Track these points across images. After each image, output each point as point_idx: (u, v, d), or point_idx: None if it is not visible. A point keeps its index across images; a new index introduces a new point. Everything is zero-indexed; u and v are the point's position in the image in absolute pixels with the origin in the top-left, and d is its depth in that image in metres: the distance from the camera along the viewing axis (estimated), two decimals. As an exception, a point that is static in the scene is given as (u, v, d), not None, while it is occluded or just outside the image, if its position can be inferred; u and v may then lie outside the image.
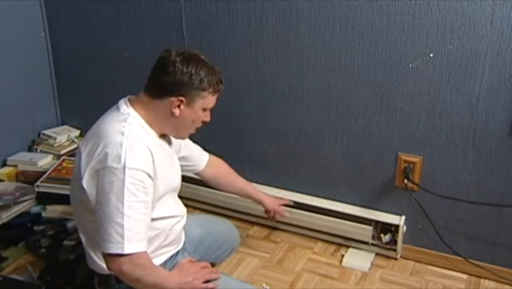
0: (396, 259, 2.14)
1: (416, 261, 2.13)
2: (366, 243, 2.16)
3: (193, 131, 1.63)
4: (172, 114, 1.52)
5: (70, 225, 2.09)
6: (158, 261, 1.62)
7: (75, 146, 2.55)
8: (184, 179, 1.86)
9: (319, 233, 2.24)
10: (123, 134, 1.45)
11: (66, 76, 2.64)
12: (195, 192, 2.36)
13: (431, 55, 1.85)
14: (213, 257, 2.00)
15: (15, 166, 2.43)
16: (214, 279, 1.63)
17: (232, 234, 2.12)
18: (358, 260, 2.12)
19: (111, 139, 1.45)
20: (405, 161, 2.02)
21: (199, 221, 2.01)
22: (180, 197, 1.79)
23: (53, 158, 2.49)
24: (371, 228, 2.11)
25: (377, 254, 2.16)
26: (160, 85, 1.51)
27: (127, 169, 1.40)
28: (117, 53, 2.44)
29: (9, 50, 2.42)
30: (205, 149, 1.96)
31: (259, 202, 2.05)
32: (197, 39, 2.23)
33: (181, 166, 1.81)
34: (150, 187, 1.47)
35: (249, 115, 2.26)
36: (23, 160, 2.44)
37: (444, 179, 1.99)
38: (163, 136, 1.62)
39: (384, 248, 2.14)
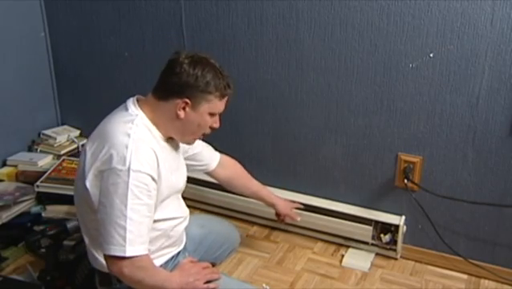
0: (396, 259, 2.14)
1: (416, 261, 2.13)
2: (366, 243, 2.16)
3: (199, 136, 1.60)
4: (177, 116, 1.50)
5: (70, 225, 2.09)
6: (159, 261, 1.61)
7: (75, 146, 2.55)
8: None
9: (319, 233, 2.24)
10: (129, 136, 1.45)
11: (66, 76, 2.64)
12: (196, 192, 2.36)
13: (431, 55, 1.85)
14: (214, 257, 2.00)
15: (15, 166, 2.43)
16: (215, 280, 1.63)
17: (232, 234, 2.12)
18: (358, 260, 2.12)
19: (117, 140, 1.44)
20: (405, 161, 2.02)
21: (199, 221, 2.01)
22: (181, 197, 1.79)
23: (53, 158, 2.49)
24: (371, 228, 2.11)
25: (377, 254, 2.16)
26: (166, 86, 1.50)
27: (131, 172, 1.39)
28: (117, 53, 2.44)
29: (9, 50, 2.42)
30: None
31: (271, 205, 2.03)
32: (196, 39, 2.23)
33: (191, 166, 1.81)
34: (154, 190, 1.47)
35: (249, 115, 2.26)
36: (23, 160, 2.44)
37: (444, 179, 1.99)
38: (169, 139, 1.60)
39: (383, 248, 2.14)
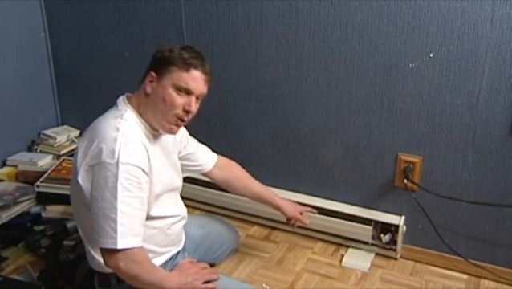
0: (395, 259, 2.14)
1: (416, 261, 2.13)
2: (366, 243, 2.16)
3: (171, 118, 1.52)
4: (145, 92, 1.52)
5: (70, 225, 2.09)
6: (158, 261, 1.62)
7: (75, 146, 2.55)
8: (185, 179, 1.85)
9: (319, 233, 2.24)
10: (118, 130, 1.46)
11: (66, 76, 2.64)
12: (196, 192, 2.36)
13: (431, 55, 1.85)
14: (214, 257, 2.00)
15: (15, 166, 2.42)
16: (214, 280, 1.63)
17: (232, 234, 2.12)
18: (358, 260, 2.12)
19: (107, 135, 1.46)
20: (405, 161, 2.02)
21: (199, 222, 2.01)
22: (180, 196, 1.78)
23: (53, 158, 2.49)
24: (371, 228, 2.11)
25: (377, 254, 2.16)
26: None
27: (120, 164, 1.40)
28: (117, 53, 2.44)
29: (9, 50, 2.42)
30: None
31: (277, 208, 1.98)
32: (196, 39, 2.23)
33: (186, 166, 1.81)
34: (145, 183, 1.47)
35: (249, 115, 2.26)
36: (23, 160, 2.44)
37: (444, 179, 1.99)
38: (161, 135, 1.61)
39: (383, 248, 2.14)
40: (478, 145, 1.90)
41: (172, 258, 1.69)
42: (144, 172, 1.47)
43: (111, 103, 1.60)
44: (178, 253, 1.72)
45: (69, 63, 2.60)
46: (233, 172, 1.97)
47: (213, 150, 1.97)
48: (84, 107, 2.64)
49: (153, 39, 2.33)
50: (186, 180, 2.07)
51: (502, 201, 1.92)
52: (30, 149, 2.58)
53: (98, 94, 2.55)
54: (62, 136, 2.57)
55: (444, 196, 1.99)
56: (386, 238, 2.10)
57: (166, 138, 1.65)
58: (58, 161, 2.42)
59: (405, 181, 2.01)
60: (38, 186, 2.22)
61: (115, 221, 1.39)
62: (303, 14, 2.00)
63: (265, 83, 2.18)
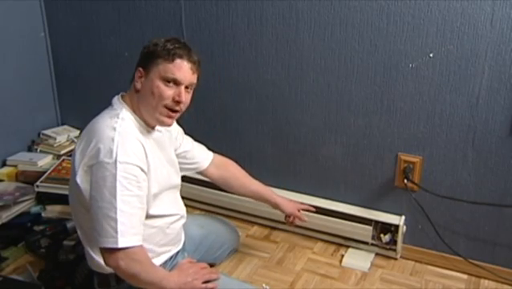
0: (395, 259, 2.14)
1: (416, 261, 2.13)
2: (366, 243, 2.16)
3: (163, 110, 1.51)
4: (136, 89, 1.53)
5: (69, 225, 2.09)
6: (158, 261, 1.62)
7: (74, 146, 2.55)
8: (184, 179, 1.86)
9: (319, 233, 2.24)
10: (114, 129, 1.47)
11: (66, 76, 2.64)
12: (195, 192, 2.36)
13: (431, 55, 1.85)
14: (214, 257, 2.00)
15: (15, 166, 2.43)
16: (214, 280, 1.63)
17: (232, 234, 2.12)
18: (358, 260, 2.12)
19: (104, 134, 1.46)
20: (405, 161, 2.02)
21: (199, 222, 2.01)
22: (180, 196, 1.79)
23: (53, 158, 2.49)
24: (371, 228, 2.11)
25: (377, 254, 2.16)
26: None
27: (118, 163, 1.41)
28: (117, 53, 2.44)
29: (9, 50, 2.42)
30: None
31: (276, 206, 1.98)
32: (196, 39, 2.23)
33: (182, 164, 1.81)
34: (144, 181, 1.48)
35: (249, 115, 2.26)
36: (23, 160, 2.44)
37: (444, 179, 1.99)
38: (158, 132, 1.62)
39: (383, 248, 2.14)
40: (478, 145, 1.90)
41: (171, 258, 1.69)
42: (143, 170, 1.47)
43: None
44: (178, 253, 1.72)
45: (69, 63, 2.60)
46: (230, 170, 1.96)
47: (214, 150, 1.97)
48: (84, 107, 2.64)
49: (153, 39, 2.33)
50: (186, 180, 2.07)
51: (502, 201, 1.92)
52: (30, 149, 2.58)
53: (98, 94, 2.55)
54: (62, 136, 2.57)
55: (444, 196, 1.99)
56: (386, 238, 2.10)
57: (163, 135, 1.65)
58: (58, 161, 2.42)
59: (405, 181, 2.01)
60: (38, 186, 2.23)
61: (116, 220, 1.40)
62: (303, 14, 2.00)
63: (265, 83, 2.18)
